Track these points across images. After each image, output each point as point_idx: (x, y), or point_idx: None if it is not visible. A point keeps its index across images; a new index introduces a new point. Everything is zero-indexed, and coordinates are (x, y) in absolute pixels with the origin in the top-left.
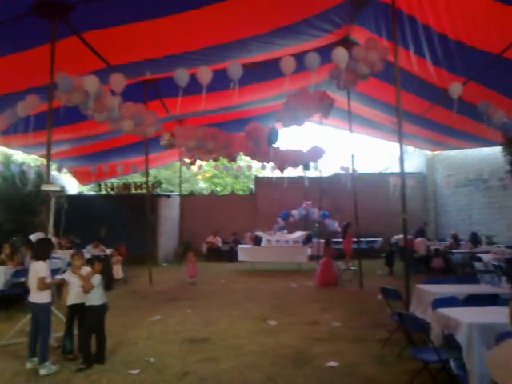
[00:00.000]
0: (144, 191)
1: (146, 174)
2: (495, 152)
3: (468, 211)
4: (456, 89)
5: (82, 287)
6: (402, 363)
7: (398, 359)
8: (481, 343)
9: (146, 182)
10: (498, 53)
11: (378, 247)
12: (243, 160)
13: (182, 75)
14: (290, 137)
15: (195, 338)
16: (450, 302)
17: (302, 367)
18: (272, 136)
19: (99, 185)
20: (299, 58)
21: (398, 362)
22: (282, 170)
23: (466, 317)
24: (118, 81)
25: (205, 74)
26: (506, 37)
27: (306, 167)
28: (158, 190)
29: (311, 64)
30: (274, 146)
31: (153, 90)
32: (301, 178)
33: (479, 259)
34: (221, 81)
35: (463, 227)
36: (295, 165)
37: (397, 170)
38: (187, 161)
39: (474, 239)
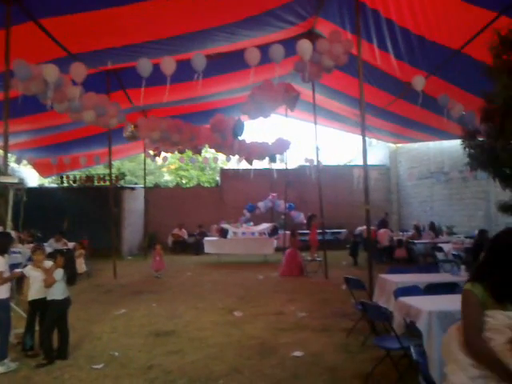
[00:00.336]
0: (107, 183)
1: (110, 166)
2: (455, 145)
3: (430, 203)
4: (419, 82)
5: (44, 281)
6: (365, 351)
7: (362, 348)
8: (440, 330)
9: (110, 174)
10: (457, 48)
11: (343, 238)
12: (209, 152)
13: (144, 65)
14: (256, 129)
15: (160, 331)
16: (412, 290)
17: (268, 357)
18: (237, 128)
19: (61, 177)
20: (264, 49)
21: (362, 350)
22: (249, 162)
23: (426, 305)
24: (79, 70)
25: (168, 65)
26: (464, 33)
27: (272, 159)
28: (121, 183)
29: (276, 56)
30: (239, 138)
31: (116, 80)
32: (267, 170)
33: (440, 249)
34: (185, 71)
35: (425, 218)
36: (261, 157)
37: (361, 162)
38: (152, 153)
39: (433, 228)
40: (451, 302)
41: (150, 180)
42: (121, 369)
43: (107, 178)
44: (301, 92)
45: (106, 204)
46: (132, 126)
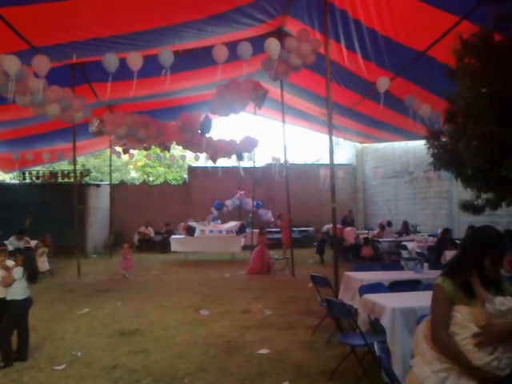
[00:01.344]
0: (72, 180)
1: (74, 162)
2: (420, 145)
3: (395, 201)
4: (383, 83)
5: (2, 281)
6: (330, 348)
7: (327, 345)
8: (403, 326)
9: (74, 171)
10: (422, 50)
11: (310, 236)
12: (177, 149)
13: (111, 60)
14: (224, 127)
15: (125, 330)
16: (376, 288)
17: (234, 356)
18: (205, 125)
19: (23, 173)
20: (232, 47)
21: (327, 347)
22: (214, 160)
23: (390, 302)
24: (42, 63)
25: (135, 60)
26: (429, 35)
27: (240, 157)
28: (86, 179)
29: (244, 53)
30: (207, 135)
31: (81, 74)
32: (235, 168)
33: (404, 247)
34: (152, 67)
35: (390, 217)
36: (228, 155)
37: (328, 161)
38: (118, 149)
39: (406, 227)
40: (414, 299)
41: (116, 177)
42: (84, 369)
43: (71, 174)
44: (269, 90)
45: (70, 201)
46: (98, 121)
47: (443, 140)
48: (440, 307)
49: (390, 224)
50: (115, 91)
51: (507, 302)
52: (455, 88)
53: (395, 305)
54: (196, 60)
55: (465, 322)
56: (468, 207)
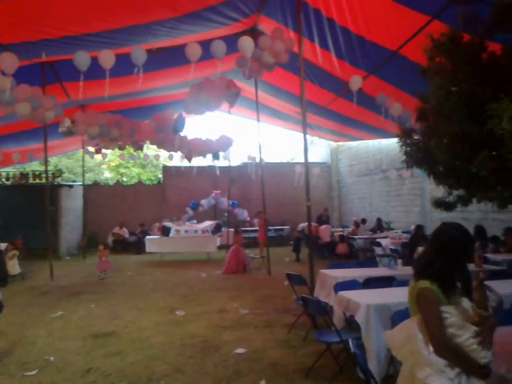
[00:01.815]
0: (43, 181)
1: (45, 162)
2: (393, 143)
3: (369, 199)
4: (356, 82)
5: None
6: (306, 346)
7: (303, 342)
8: (377, 322)
9: (46, 172)
10: (394, 49)
11: (286, 235)
12: (151, 149)
13: (82, 58)
14: (199, 126)
15: (99, 332)
16: (351, 285)
17: (210, 355)
18: (178, 124)
19: None
20: (206, 45)
21: (303, 345)
22: (189, 159)
23: (365, 298)
24: (10, 60)
25: (107, 58)
26: (402, 34)
27: (215, 156)
28: (58, 180)
29: (217, 52)
30: (180, 134)
31: (52, 72)
32: (210, 168)
33: (379, 244)
34: (125, 66)
35: (364, 214)
36: (203, 154)
37: (303, 159)
38: (91, 149)
39: (379, 224)
40: (388, 295)
41: (89, 177)
42: (56, 374)
43: (43, 175)
44: (244, 89)
45: (41, 202)
46: (69, 121)
47: (415, 138)
48: (434, 311)
49: (364, 221)
50: (87, 90)
51: (494, 297)
52: (427, 87)
53: (369, 301)
54: (169, 59)
55: (461, 323)
56: (440, 204)
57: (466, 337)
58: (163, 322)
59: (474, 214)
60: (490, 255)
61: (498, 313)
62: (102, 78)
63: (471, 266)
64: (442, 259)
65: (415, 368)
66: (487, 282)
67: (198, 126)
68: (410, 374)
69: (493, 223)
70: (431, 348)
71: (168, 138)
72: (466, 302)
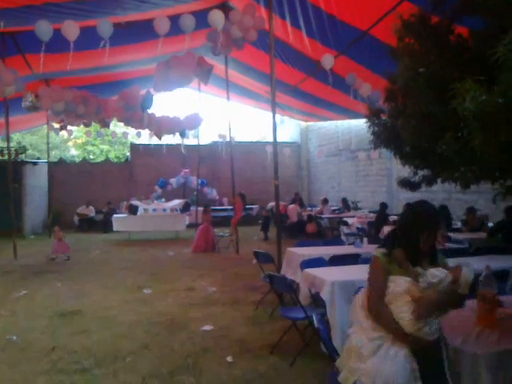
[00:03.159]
0: (5, 157)
1: (7, 138)
2: (362, 124)
3: (337, 179)
4: (328, 61)
5: None
6: (273, 323)
7: (270, 319)
8: (342, 299)
9: (8, 148)
10: (365, 29)
11: (255, 214)
12: (119, 126)
13: (43, 29)
14: (168, 103)
15: (65, 311)
16: (317, 262)
17: (177, 333)
18: (146, 101)
19: None
20: (176, 20)
21: (270, 321)
22: (158, 137)
23: (330, 275)
24: None
25: (71, 29)
26: (372, 14)
27: (183, 135)
28: (22, 157)
29: (187, 26)
30: (148, 111)
31: (13, 43)
32: (179, 146)
33: (346, 223)
34: (91, 39)
35: (333, 194)
36: (172, 132)
37: (274, 138)
38: (56, 125)
39: (345, 204)
40: (353, 272)
41: (55, 155)
42: (19, 353)
43: (5, 151)
44: (214, 66)
45: (4, 180)
46: (32, 96)
47: (383, 118)
48: (377, 278)
49: (326, 201)
50: (51, 63)
51: (438, 273)
52: (396, 67)
53: (334, 278)
54: (138, 33)
55: (399, 293)
56: (405, 184)
57: (397, 305)
58: (130, 300)
59: (439, 195)
60: (452, 234)
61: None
62: (67, 50)
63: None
64: (400, 233)
65: (351, 326)
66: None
67: (167, 103)
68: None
69: (456, 203)
70: (366, 310)
71: (136, 115)
72: (424, 274)
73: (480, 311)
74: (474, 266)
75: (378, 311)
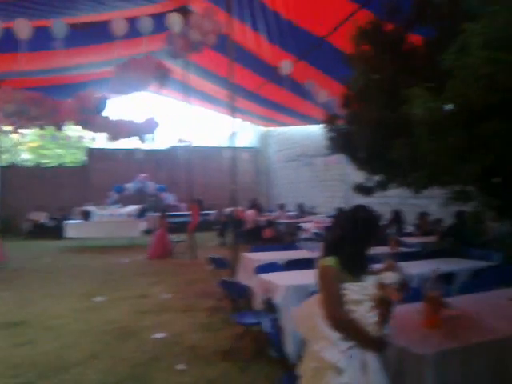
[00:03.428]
0: None
1: None
2: (320, 130)
3: (296, 184)
4: (286, 66)
5: None
6: (226, 329)
7: (224, 325)
8: (295, 303)
9: None
10: (323, 36)
11: (213, 219)
12: (74, 130)
13: None
14: (125, 106)
15: (9, 321)
16: (271, 267)
17: (128, 341)
18: (101, 104)
19: None
20: (134, 22)
21: (223, 328)
22: (114, 141)
23: (284, 280)
24: None
25: (22, 27)
26: (330, 21)
27: (142, 139)
28: None
29: (144, 28)
30: (102, 114)
31: None
32: (136, 151)
33: (302, 228)
34: (45, 39)
35: (291, 199)
36: (128, 135)
37: (232, 144)
38: (6, 128)
39: (301, 209)
40: (307, 277)
41: (6, 159)
42: None
43: None
44: (174, 71)
45: None
46: None
47: (339, 124)
48: (333, 287)
49: (282, 206)
50: (2, 63)
51: (392, 275)
52: (352, 74)
53: (288, 283)
54: (94, 34)
55: (358, 299)
56: (360, 189)
57: (362, 312)
58: (79, 308)
59: (393, 200)
60: (405, 238)
61: (402, 291)
62: (19, 50)
63: (387, 249)
64: (347, 238)
65: (313, 342)
66: (397, 264)
67: (124, 106)
68: (311, 349)
69: (410, 208)
70: (327, 323)
71: (91, 118)
72: (370, 280)
73: (426, 312)
74: (406, 269)
75: (345, 321)
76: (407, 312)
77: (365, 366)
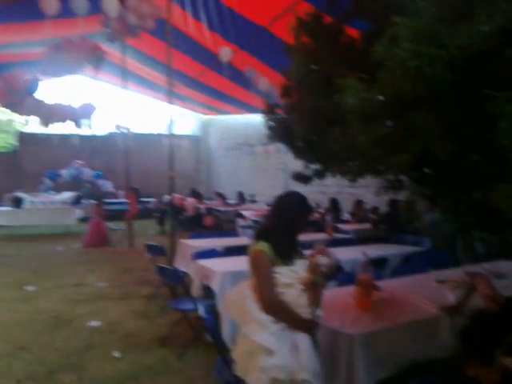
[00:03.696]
0: None
1: None
2: (260, 119)
3: (236, 173)
4: (226, 53)
5: None
6: (164, 316)
7: (161, 312)
8: (231, 289)
9: None
10: (265, 25)
11: (152, 207)
12: (4, 112)
13: None
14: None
15: None
16: (209, 254)
17: (61, 330)
18: (32, 86)
19: None
20: (67, 1)
21: (161, 315)
22: (47, 125)
23: (221, 266)
24: None
25: None
26: (271, 11)
27: (78, 124)
28: None
29: (79, 9)
30: (35, 97)
31: None
32: (72, 136)
33: (242, 216)
34: None
35: (232, 187)
36: (63, 120)
37: (173, 131)
38: None
39: (241, 197)
40: (245, 263)
41: None
42: None
43: None
44: (111, 54)
45: None
46: None
47: (279, 113)
48: (265, 271)
49: (220, 194)
50: None
51: (323, 260)
52: (292, 64)
53: (225, 269)
54: (21, 11)
55: (289, 282)
56: (298, 177)
57: (292, 295)
58: (8, 298)
59: (331, 188)
60: (341, 225)
61: (334, 275)
62: None
63: (323, 235)
64: (278, 223)
65: (244, 325)
66: (328, 248)
67: (61, 90)
68: (242, 332)
69: (347, 197)
70: (258, 306)
71: (20, 100)
72: (300, 264)
73: (357, 295)
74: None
75: (274, 302)
76: (340, 295)
77: (296, 347)
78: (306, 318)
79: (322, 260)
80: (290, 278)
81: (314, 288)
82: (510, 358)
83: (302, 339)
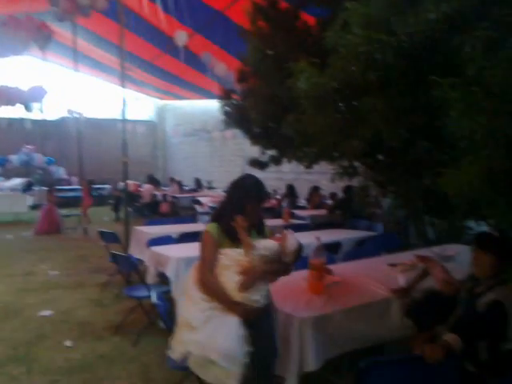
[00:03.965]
0: None
1: None
2: (217, 104)
3: (193, 159)
4: (181, 37)
5: None
6: (118, 303)
7: (115, 300)
8: (186, 275)
9: None
10: (220, 9)
11: (107, 194)
12: None
13: None
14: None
15: None
16: (164, 240)
17: (10, 321)
18: None
19: None
20: None
21: (115, 302)
22: None
23: (176, 253)
24: None
25: None
26: None
27: (28, 108)
28: None
29: None
30: None
31: None
32: (21, 120)
33: (198, 202)
34: None
35: (189, 174)
36: (11, 103)
37: (128, 116)
38: None
39: (198, 183)
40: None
41: None
42: None
43: None
44: (61, 35)
45: None
46: None
47: (235, 99)
48: (207, 251)
49: (173, 180)
50: None
51: (270, 245)
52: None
53: (179, 255)
54: None
55: (228, 264)
56: (255, 163)
57: (226, 276)
58: None
59: (288, 175)
60: (297, 211)
61: (295, 259)
62: None
63: (280, 221)
64: (231, 204)
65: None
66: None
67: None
68: None
69: (303, 183)
70: (196, 284)
71: None
72: (261, 247)
73: (310, 279)
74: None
75: (208, 282)
76: (294, 279)
77: (218, 327)
78: (237, 301)
79: (266, 246)
80: (231, 260)
81: (248, 273)
82: (452, 335)
83: (230, 322)
